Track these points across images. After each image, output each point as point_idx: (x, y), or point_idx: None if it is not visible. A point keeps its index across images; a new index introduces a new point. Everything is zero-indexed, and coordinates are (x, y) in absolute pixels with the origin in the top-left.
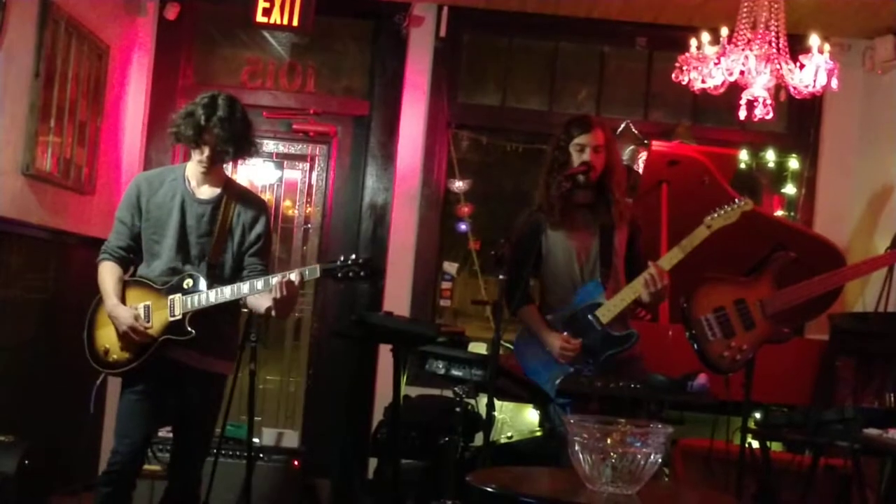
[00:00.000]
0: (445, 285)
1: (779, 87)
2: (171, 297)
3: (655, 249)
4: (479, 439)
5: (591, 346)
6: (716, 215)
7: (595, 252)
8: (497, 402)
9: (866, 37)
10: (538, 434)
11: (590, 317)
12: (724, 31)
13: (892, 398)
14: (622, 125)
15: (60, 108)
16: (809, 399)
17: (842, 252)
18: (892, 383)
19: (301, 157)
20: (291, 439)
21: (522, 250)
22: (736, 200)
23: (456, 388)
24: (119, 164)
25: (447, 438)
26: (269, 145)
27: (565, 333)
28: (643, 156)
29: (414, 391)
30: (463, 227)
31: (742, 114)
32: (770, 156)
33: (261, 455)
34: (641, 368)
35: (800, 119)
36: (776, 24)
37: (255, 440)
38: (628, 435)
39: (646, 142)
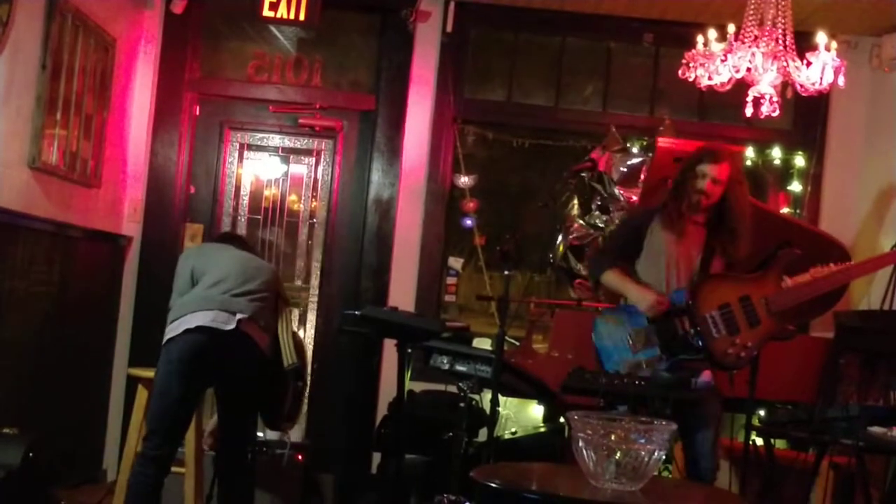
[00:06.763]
0: (450, 280)
1: (785, 85)
2: None
3: None
4: (483, 435)
5: (671, 345)
6: None
7: (693, 265)
8: (501, 398)
9: (873, 34)
10: (542, 430)
11: (677, 320)
12: (731, 28)
13: None
14: (661, 126)
15: (67, 100)
16: (814, 397)
17: (847, 249)
18: None
19: (307, 152)
20: (295, 433)
21: (628, 228)
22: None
23: (460, 384)
24: (125, 157)
25: (451, 434)
26: (274, 140)
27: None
28: None
29: (418, 386)
30: (468, 222)
31: (748, 111)
32: (776, 153)
33: (264, 449)
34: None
35: (806, 116)
36: (783, 21)
37: (259, 434)
38: (632, 431)
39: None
